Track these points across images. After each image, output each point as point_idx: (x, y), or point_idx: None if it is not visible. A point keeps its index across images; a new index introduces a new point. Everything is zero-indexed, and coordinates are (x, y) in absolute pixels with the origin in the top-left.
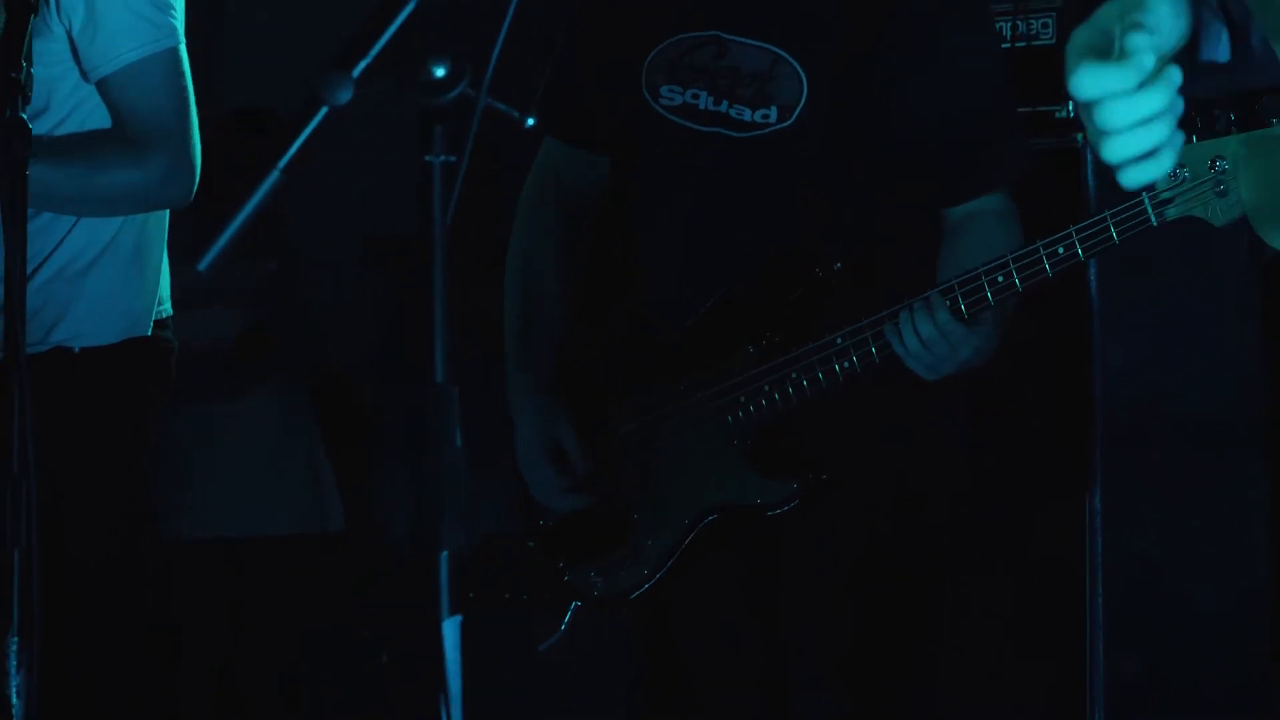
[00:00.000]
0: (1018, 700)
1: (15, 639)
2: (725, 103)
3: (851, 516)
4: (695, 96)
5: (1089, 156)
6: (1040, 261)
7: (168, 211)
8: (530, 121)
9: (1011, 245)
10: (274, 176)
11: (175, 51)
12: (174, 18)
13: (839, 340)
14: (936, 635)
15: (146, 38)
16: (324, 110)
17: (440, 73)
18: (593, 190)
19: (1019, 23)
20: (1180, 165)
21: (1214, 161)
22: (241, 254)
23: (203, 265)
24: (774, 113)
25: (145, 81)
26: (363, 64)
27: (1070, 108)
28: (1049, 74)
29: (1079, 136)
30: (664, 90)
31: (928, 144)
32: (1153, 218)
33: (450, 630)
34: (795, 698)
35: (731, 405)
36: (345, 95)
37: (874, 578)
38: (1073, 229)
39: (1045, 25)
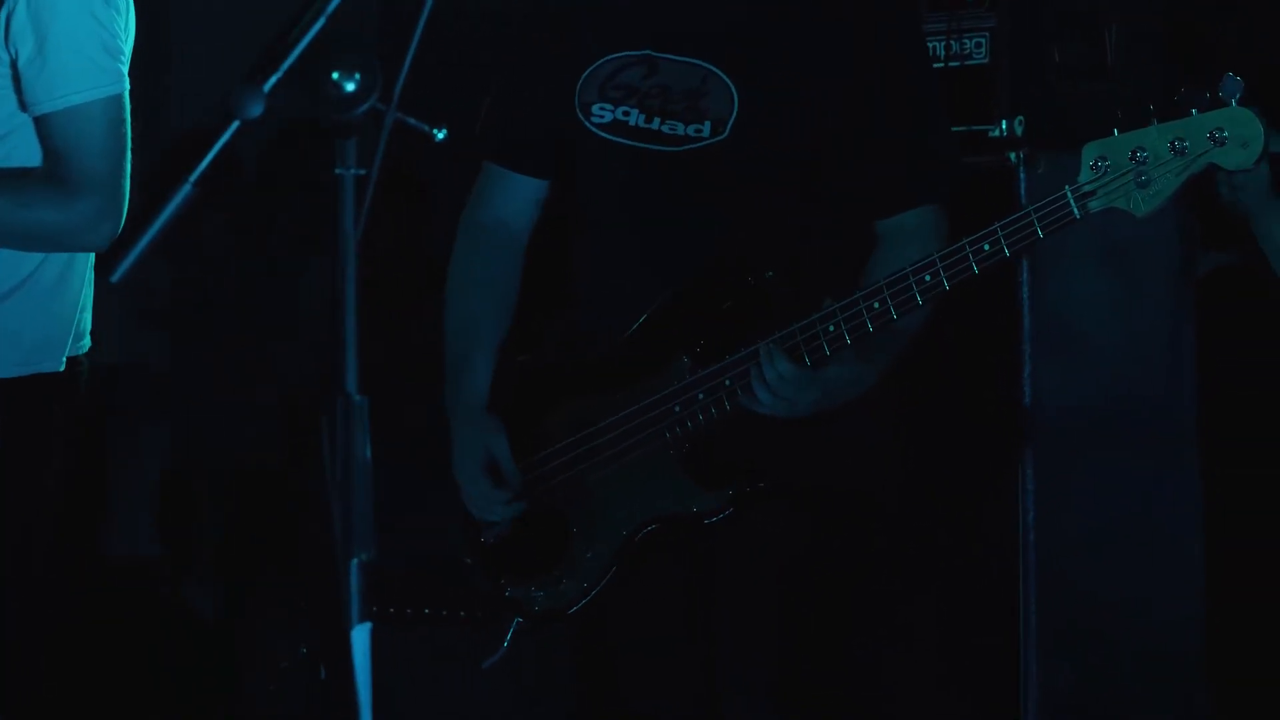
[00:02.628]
0: (951, 713)
1: None
2: (657, 120)
3: (783, 524)
4: (626, 114)
5: (1022, 175)
6: (967, 260)
7: None
8: (439, 135)
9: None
10: (185, 190)
11: (120, 99)
12: (122, 63)
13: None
14: (871, 643)
15: (93, 82)
16: (235, 124)
17: (350, 87)
18: (528, 213)
19: (953, 42)
20: (1101, 158)
21: (1135, 152)
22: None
23: (115, 277)
24: (707, 127)
25: (85, 126)
26: (274, 78)
27: (1004, 126)
28: (983, 93)
29: (1012, 155)
30: (595, 109)
31: (859, 156)
32: (1075, 211)
33: (359, 638)
34: (729, 708)
35: (667, 415)
36: (256, 109)
37: (807, 586)
38: (997, 225)
39: (979, 45)
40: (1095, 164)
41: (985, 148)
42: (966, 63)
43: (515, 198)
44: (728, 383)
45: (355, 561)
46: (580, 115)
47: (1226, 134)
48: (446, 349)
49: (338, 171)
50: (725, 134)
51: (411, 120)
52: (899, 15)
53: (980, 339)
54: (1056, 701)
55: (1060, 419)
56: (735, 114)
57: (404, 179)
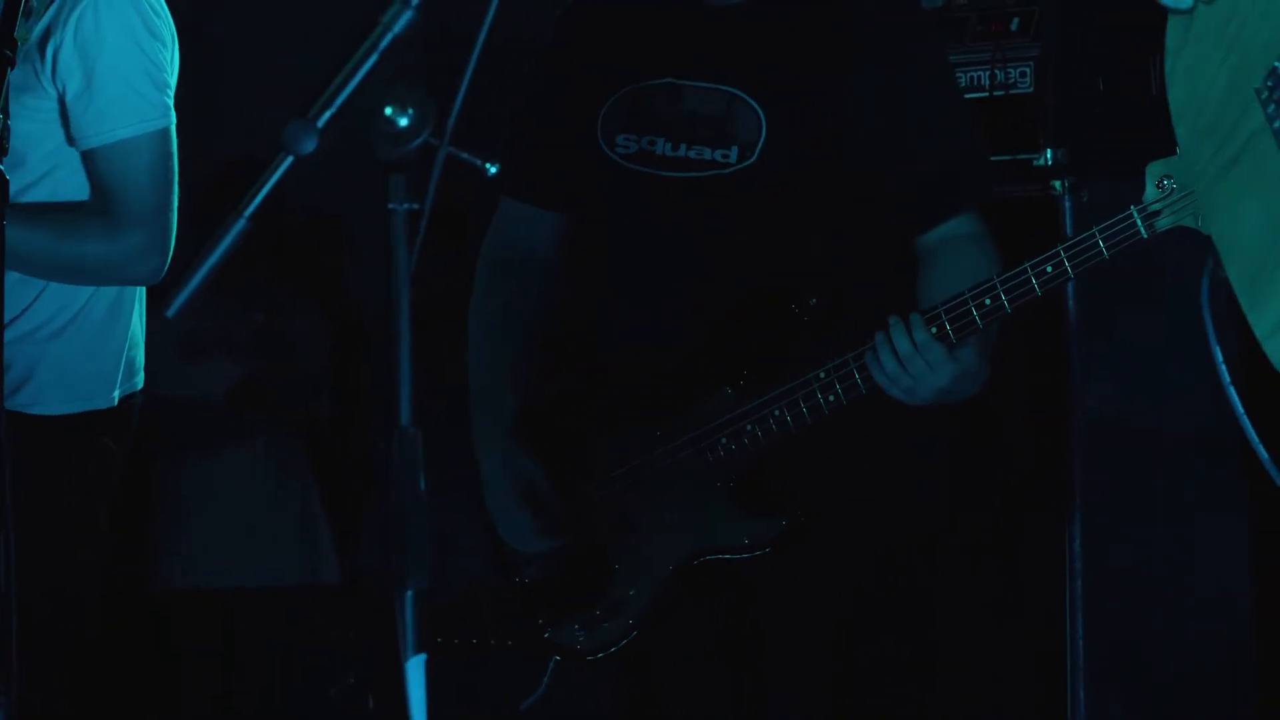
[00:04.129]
0: None
1: None
2: (684, 146)
3: (833, 560)
4: (652, 143)
5: (1067, 204)
6: (1029, 282)
7: None
8: (492, 169)
9: (990, 264)
10: (240, 224)
11: (167, 132)
12: (169, 97)
13: (821, 375)
14: (927, 684)
15: (140, 116)
16: (289, 159)
17: (403, 122)
18: (551, 247)
19: (997, 71)
20: (1166, 176)
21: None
22: (230, 306)
23: (170, 312)
24: (734, 152)
25: (133, 160)
26: (328, 114)
27: (1049, 155)
28: (1027, 122)
29: (1056, 184)
30: (619, 140)
31: (892, 171)
32: (1142, 230)
33: (414, 669)
34: None
35: (713, 447)
36: (310, 144)
37: (858, 624)
38: (1060, 247)
39: (1023, 74)
40: (1161, 183)
41: (1030, 177)
42: (1011, 92)
43: (537, 232)
44: (777, 413)
45: (411, 593)
46: (604, 146)
47: None
48: (471, 384)
49: (390, 206)
50: (754, 158)
51: (464, 155)
52: (919, 26)
53: (1024, 365)
54: None
55: (1107, 444)
56: (763, 137)
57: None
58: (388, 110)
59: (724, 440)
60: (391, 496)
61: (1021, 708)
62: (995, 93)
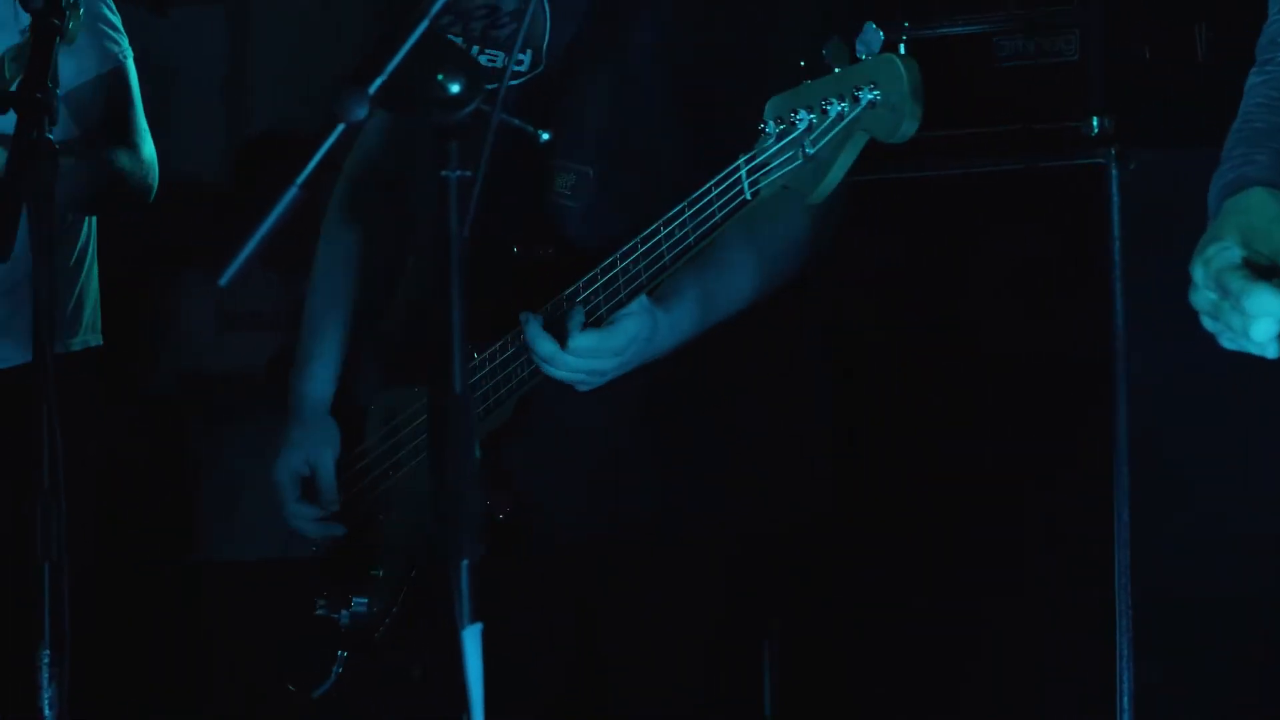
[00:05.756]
0: (1047, 715)
1: (46, 651)
2: (475, 49)
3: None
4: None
5: (1114, 172)
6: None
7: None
8: (545, 136)
9: None
10: (292, 193)
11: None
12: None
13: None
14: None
15: (126, 47)
16: (340, 127)
17: (455, 89)
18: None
19: (1043, 40)
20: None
21: (791, 113)
22: (269, 276)
23: (224, 281)
24: (528, 58)
25: (133, 83)
26: (378, 81)
27: (1095, 124)
28: (1074, 90)
29: (1111, 151)
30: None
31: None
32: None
33: (470, 638)
34: None
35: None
36: (361, 112)
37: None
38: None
39: (1069, 42)
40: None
41: (1077, 145)
42: (1057, 60)
43: (377, 137)
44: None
45: (465, 562)
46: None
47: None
48: (305, 320)
49: (443, 174)
50: (542, 66)
51: (516, 121)
52: None
53: (1070, 332)
54: (1152, 702)
55: (1155, 414)
56: (548, 40)
57: None
58: (439, 76)
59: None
60: (443, 466)
61: (1068, 679)
62: (1041, 60)
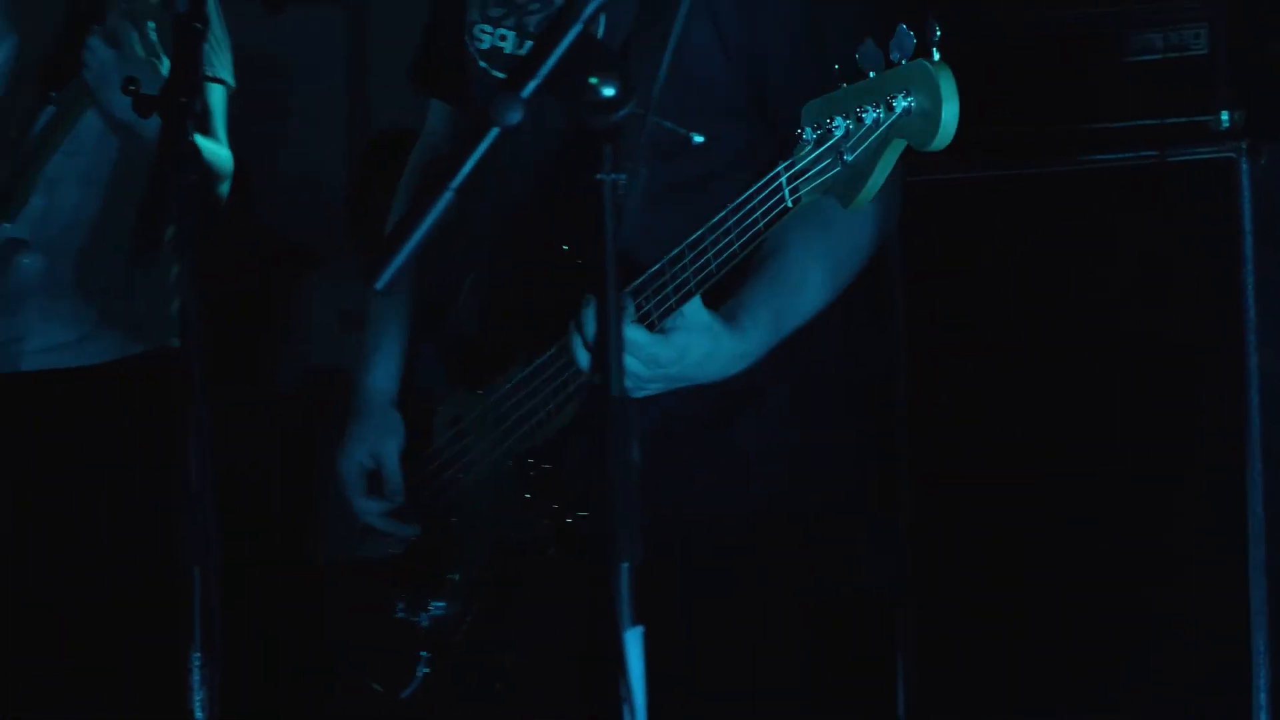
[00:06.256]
0: (1182, 710)
1: (198, 654)
2: (529, 45)
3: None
4: (503, 38)
5: (1244, 167)
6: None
7: None
8: (697, 139)
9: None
10: (447, 197)
11: None
12: None
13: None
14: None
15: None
16: (495, 131)
17: (609, 92)
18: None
19: (1171, 34)
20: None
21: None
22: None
23: (380, 284)
24: None
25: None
26: (532, 84)
27: (1225, 118)
28: (1203, 85)
29: (1242, 145)
30: (477, 31)
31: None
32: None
33: (633, 640)
34: None
35: (513, 414)
36: (515, 116)
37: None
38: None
39: (1197, 36)
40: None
41: (1207, 140)
42: (1186, 54)
43: (442, 125)
44: (559, 381)
45: (625, 565)
46: (466, 36)
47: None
48: (364, 324)
49: (599, 176)
50: None
51: (668, 124)
52: None
53: (1201, 328)
54: None
55: None
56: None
57: None
58: (592, 79)
59: (525, 406)
60: (604, 467)
61: (1203, 678)
62: (1169, 55)
